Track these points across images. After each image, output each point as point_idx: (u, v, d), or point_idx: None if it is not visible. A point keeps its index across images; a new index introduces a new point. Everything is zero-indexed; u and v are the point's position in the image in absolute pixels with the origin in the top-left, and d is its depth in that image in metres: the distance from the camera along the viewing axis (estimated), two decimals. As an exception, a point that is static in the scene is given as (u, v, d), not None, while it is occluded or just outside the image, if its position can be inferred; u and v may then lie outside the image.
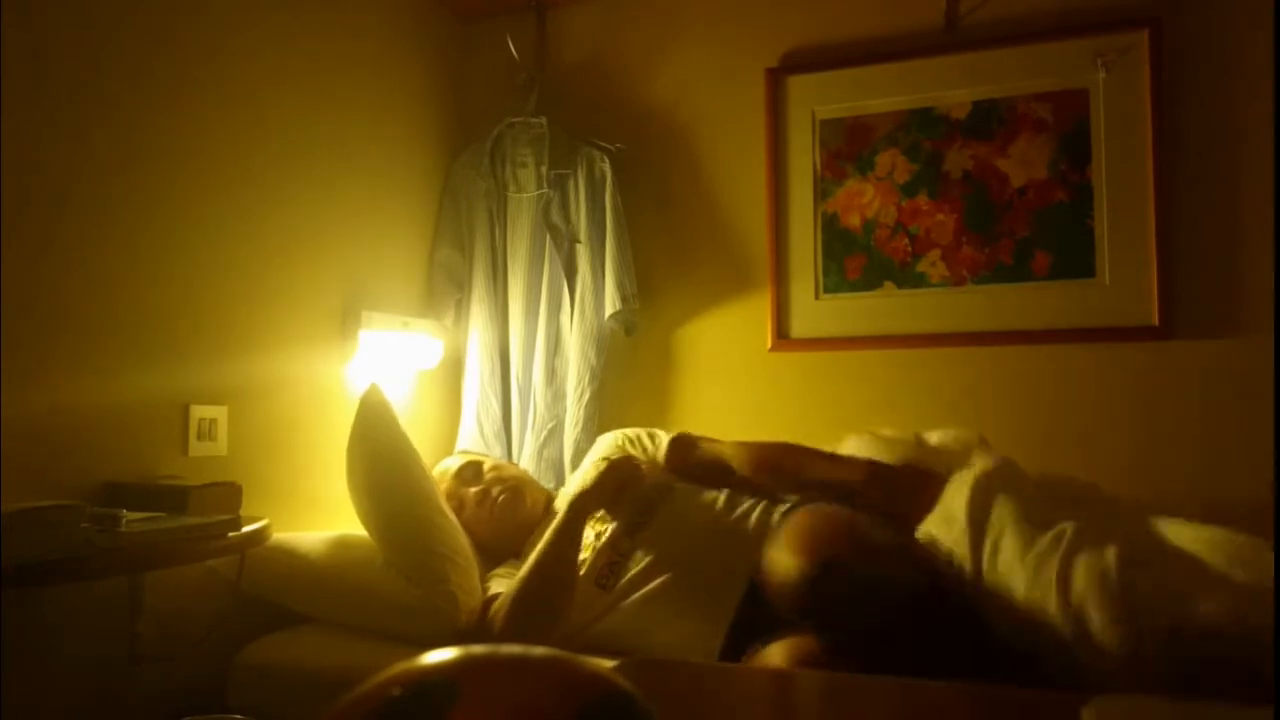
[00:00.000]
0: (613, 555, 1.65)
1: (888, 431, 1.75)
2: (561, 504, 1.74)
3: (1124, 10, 2.06)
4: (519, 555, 1.80)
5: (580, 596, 1.62)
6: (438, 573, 1.64)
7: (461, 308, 2.50)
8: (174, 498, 1.49)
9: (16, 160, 1.42)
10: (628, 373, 2.41)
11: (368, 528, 1.75)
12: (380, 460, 1.78)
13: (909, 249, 2.22)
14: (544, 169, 2.41)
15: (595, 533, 1.72)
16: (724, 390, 2.36)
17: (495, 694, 0.43)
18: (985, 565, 1.23)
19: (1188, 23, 2.02)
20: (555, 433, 2.35)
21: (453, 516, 1.82)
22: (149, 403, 1.65)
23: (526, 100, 2.45)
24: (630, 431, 2.02)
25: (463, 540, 1.77)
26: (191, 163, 1.74)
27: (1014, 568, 1.21)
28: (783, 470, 1.68)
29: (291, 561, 1.74)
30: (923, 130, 2.22)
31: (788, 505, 1.66)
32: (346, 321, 2.13)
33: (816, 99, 2.31)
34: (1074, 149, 2.10)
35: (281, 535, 1.73)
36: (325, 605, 1.73)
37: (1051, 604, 1.15)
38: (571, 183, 2.41)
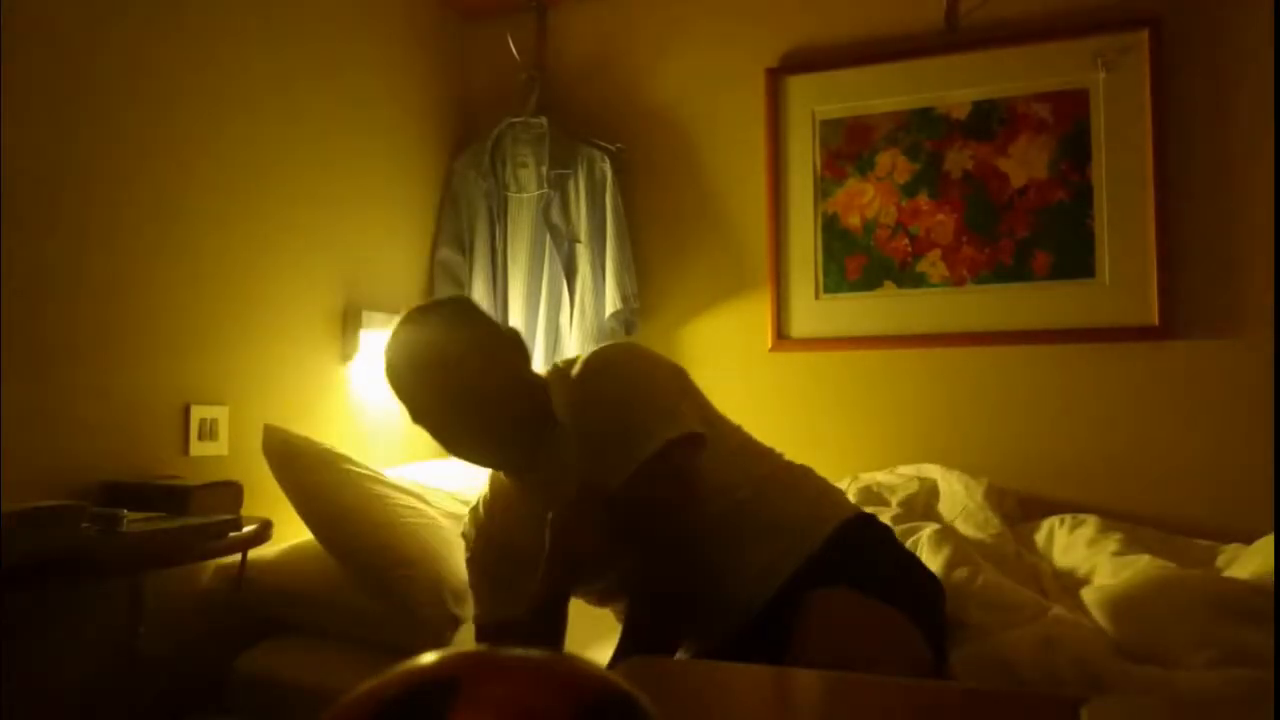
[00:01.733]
0: None
1: None
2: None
3: (1124, 10, 2.06)
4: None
5: None
6: (402, 594, 1.59)
7: (462, 308, 2.50)
8: (174, 498, 1.49)
9: (17, 161, 1.42)
10: (628, 373, 2.40)
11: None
12: (310, 499, 1.68)
13: (909, 249, 2.22)
14: (544, 169, 2.41)
15: None
16: (724, 390, 2.32)
17: (495, 694, 0.43)
18: None
19: (1188, 23, 2.02)
20: (555, 433, 2.35)
21: (403, 518, 1.71)
22: (149, 403, 1.65)
23: (527, 100, 2.45)
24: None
25: (417, 540, 1.67)
26: (192, 163, 1.74)
27: None
28: None
29: (281, 581, 1.73)
30: (923, 130, 2.22)
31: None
32: (347, 321, 2.13)
33: (816, 99, 2.31)
34: (1074, 149, 2.10)
35: (275, 550, 1.72)
36: (320, 620, 1.72)
37: None
38: (572, 183, 2.41)
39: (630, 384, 1.28)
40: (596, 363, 1.30)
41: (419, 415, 1.28)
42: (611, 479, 1.21)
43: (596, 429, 1.26)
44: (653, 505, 1.20)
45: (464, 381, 1.24)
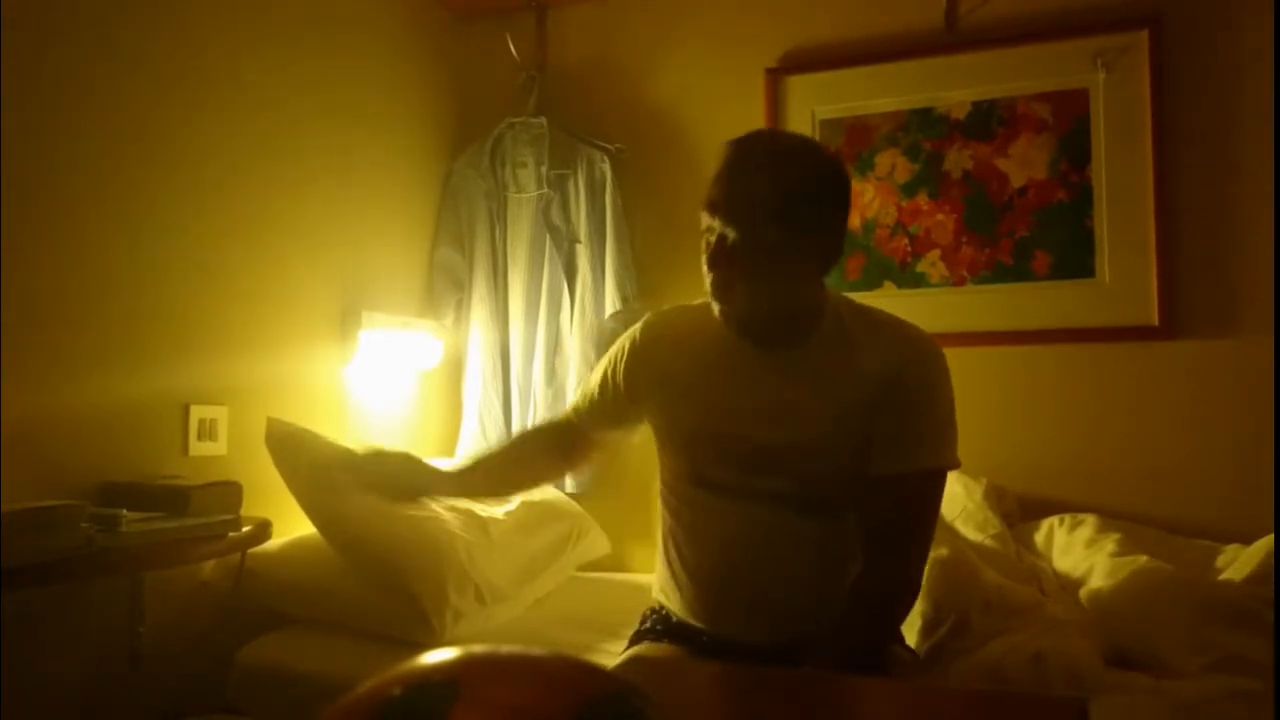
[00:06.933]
0: None
1: None
2: None
3: (1124, 10, 2.06)
4: None
5: None
6: (404, 586, 1.60)
7: (462, 308, 2.50)
8: (174, 498, 1.49)
9: (18, 162, 1.42)
10: (628, 373, 2.40)
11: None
12: (312, 493, 1.70)
13: (909, 249, 2.22)
14: (544, 169, 2.41)
15: None
16: (724, 390, 2.35)
17: (495, 694, 0.43)
18: None
19: (1188, 23, 2.02)
20: (555, 433, 2.35)
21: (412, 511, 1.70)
22: (149, 403, 1.65)
23: (526, 100, 2.45)
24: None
25: (420, 532, 1.69)
26: (192, 163, 1.74)
27: None
28: None
29: (283, 574, 1.73)
30: (923, 130, 2.22)
31: None
32: (347, 322, 2.13)
33: (816, 99, 2.31)
34: (1074, 149, 2.09)
35: (276, 543, 1.72)
36: (321, 612, 1.72)
37: None
38: (571, 183, 2.41)
39: (948, 394, 1.27)
40: (930, 348, 1.30)
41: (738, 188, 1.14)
42: (887, 465, 1.20)
43: (905, 406, 1.23)
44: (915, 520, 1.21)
45: (809, 214, 1.15)
